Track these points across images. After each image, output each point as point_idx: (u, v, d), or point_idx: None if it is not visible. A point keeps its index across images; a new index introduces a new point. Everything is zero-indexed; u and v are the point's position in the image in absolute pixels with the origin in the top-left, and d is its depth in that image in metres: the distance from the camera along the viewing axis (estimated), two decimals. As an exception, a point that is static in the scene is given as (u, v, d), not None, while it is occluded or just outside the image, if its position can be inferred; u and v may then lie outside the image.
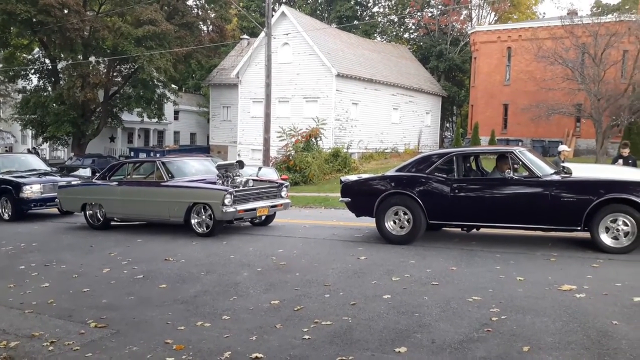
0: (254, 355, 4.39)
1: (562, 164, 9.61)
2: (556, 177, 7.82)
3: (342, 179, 9.76)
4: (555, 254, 7.47)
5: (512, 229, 8.43)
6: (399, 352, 4.33)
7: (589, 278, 6.15)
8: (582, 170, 8.28)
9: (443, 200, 8.32)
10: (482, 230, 9.16)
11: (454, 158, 8.56)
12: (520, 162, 8.09)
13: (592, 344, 4.31)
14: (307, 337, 4.74)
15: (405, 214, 8.56)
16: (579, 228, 7.54)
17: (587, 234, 7.66)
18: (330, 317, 5.23)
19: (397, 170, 9.11)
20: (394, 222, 8.70)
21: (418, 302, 5.52)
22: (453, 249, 8.13)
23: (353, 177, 9.78)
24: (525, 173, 8.05)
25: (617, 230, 7.33)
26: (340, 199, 9.60)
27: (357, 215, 9.44)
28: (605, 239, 7.39)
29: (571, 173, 7.98)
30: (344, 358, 4.26)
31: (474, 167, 9.33)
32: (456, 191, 8.24)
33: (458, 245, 8.43)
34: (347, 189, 9.40)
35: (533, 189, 7.81)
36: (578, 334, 4.51)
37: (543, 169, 8.05)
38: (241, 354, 4.46)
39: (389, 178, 8.94)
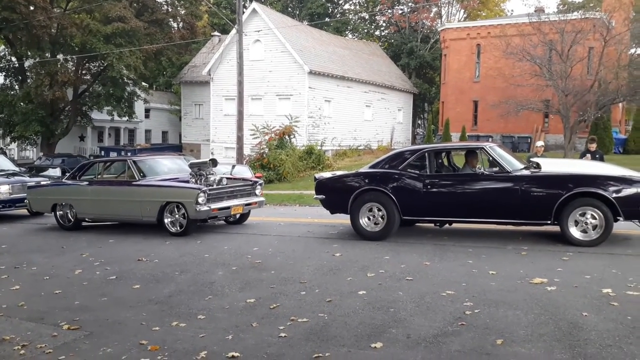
0: (230, 354, 4.38)
1: (532, 159, 9.79)
2: (526, 172, 7.96)
3: (316, 176, 9.78)
4: (526, 247, 7.62)
5: (484, 223, 8.55)
6: (375, 347, 4.37)
7: (560, 271, 6.29)
8: (551, 165, 8.42)
9: (416, 196, 8.39)
10: (454, 225, 9.28)
11: (426, 154, 8.62)
12: (491, 158, 8.19)
13: (563, 335, 4.41)
14: (283, 334, 4.75)
15: (379, 210, 8.62)
16: (549, 222, 7.69)
17: (557, 228, 7.82)
18: (306, 314, 5.24)
19: (370, 167, 9.18)
20: (368, 219, 8.75)
21: (393, 298, 5.58)
22: (426, 244, 8.22)
23: (327, 174, 9.80)
24: (496, 168, 8.14)
25: (586, 223, 7.49)
26: (315, 196, 9.62)
27: (332, 213, 9.47)
28: (575, 232, 7.56)
29: (540, 168, 8.12)
30: (320, 355, 4.28)
31: (445, 163, 9.42)
32: (428, 187, 8.32)
33: (431, 240, 8.53)
34: (322, 186, 9.41)
35: (504, 184, 7.93)
36: (549, 326, 4.61)
37: (513, 164, 8.17)
38: (217, 354, 4.44)
39: (362, 175, 8.99)
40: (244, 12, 26.00)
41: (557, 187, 7.58)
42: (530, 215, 7.83)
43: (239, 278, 6.77)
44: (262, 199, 11.27)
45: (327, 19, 47.03)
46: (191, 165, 10.77)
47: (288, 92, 30.23)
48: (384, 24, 52.33)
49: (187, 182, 10.41)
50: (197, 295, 6.17)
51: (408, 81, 42.54)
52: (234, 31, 26.42)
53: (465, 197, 8.23)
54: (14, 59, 35.06)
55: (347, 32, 50.14)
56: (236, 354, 4.38)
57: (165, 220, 10.13)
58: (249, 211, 11.17)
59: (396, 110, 38.98)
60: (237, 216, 11.08)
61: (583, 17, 25.67)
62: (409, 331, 4.66)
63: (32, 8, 30.48)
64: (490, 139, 32.39)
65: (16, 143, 40.97)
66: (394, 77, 40.14)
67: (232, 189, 10.63)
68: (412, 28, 46.61)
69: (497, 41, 29.04)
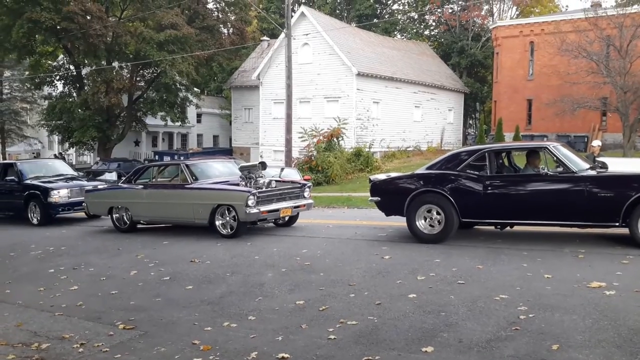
0: (280, 355, 4.41)
1: (598, 159, 9.42)
2: (592, 173, 7.63)
3: (371, 178, 9.62)
4: (583, 250, 7.35)
5: (548, 225, 8.31)
6: (426, 351, 4.30)
7: (619, 275, 6.04)
8: (618, 165, 8.07)
9: (475, 197, 8.16)
10: (509, 227, 9.04)
11: (486, 154, 8.36)
12: (555, 158, 7.92)
13: (624, 342, 4.23)
14: (332, 337, 4.74)
15: (437, 212, 8.41)
16: (617, 224, 7.34)
17: (621, 230, 7.52)
18: (356, 316, 5.22)
19: (427, 168, 8.96)
20: (425, 221, 8.56)
21: (444, 301, 5.48)
22: (479, 247, 8.05)
23: (382, 176, 9.64)
24: (560, 169, 7.85)
25: None
26: (370, 198, 9.43)
27: (387, 215, 9.30)
28: None
29: (607, 168, 7.76)
30: (369, 358, 4.25)
31: (506, 163, 9.14)
32: (489, 188, 8.07)
33: (484, 243, 8.34)
34: (377, 188, 9.24)
35: (569, 184, 7.65)
36: (609, 332, 4.43)
37: (578, 164, 7.84)
38: (267, 354, 4.48)
39: (419, 176, 8.82)
40: (292, 16, 26.22)
41: (626, 188, 7.24)
42: (597, 217, 7.51)
43: (288, 280, 6.81)
44: (310, 201, 11.30)
45: (375, 20, 46.87)
46: (241, 169, 10.90)
47: (336, 94, 30.26)
48: (434, 23, 51.72)
49: (237, 185, 10.55)
50: (247, 296, 6.24)
51: (459, 80, 41.87)
52: (282, 35, 26.68)
53: (528, 198, 7.96)
54: (72, 67, 36.51)
55: (395, 33, 49.82)
56: (286, 355, 4.40)
57: (217, 223, 10.28)
58: (298, 213, 11.22)
59: (446, 111, 38.42)
60: (286, 218, 11.14)
61: (643, 10, 24.65)
62: (460, 335, 4.57)
63: (88, 18, 31.68)
64: (545, 139, 31.50)
65: (74, 148, 42.65)
66: (444, 76, 39.58)
67: (281, 192, 10.70)
68: (462, 26, 45.88)
69: (552, 38, 28.22)
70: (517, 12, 48.31)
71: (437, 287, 6.04)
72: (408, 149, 33.08)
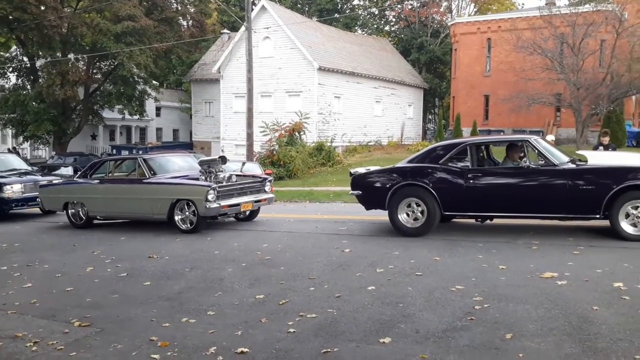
0: (239, 350, 4.39)
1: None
2: (572, 165, 7.73)
3: (352, 171, 9.53)
4: (537, 242, 7.56)
5: (529, 218, 8.38)
6: (384, 342, 4.36)
7: (570, 265, 6.24)
8: (597, 158, 8.15)
9: (458, 190, 8.18)
10: (463, 220, 9.23)
11: (468, 148, 8.39)
12: (537, 151, 7.99)
13: (574, 329, 4.38)
14: (292, 330, 4.76)
15: (418, 205, 8.40)
16: (598, 216, 7.46)
17: (572, 222, 7.76)
18: (315, 309, 5.24)
19: (408, 162, 8.95)
20: (407, 215, 8.54)
21: (402, 293, 5.56)
22: (436, 240, 8.19)
23: (362, 170, 9.54)
24: (542, 162, 7.90)
25: (638, 217, 7.27)
26: (350, 192, 9.38)
27: (367, 208, 9.27)
28: (626, 226, 7.33)
29: (587, 161, 7.90)
30: (329, 350, 4.28)
31: (485, 156, 9.16)
32: (471, 181, 8.10)
33: (441, 235, 8.50)
34: (358, 182, 9.18)
35: (551, 177, 7.73)
36: (560, 321, 4.58)
37: (559, 157, 7.91)
38: (226, 349, 4.46)
39: (401, 169, 8.79)
40: (253, 9, 26.03)
41: (607, 180, 7.36)
42: (579, 210, 7.61)
43: (249, 274, 6.79)
44: (271, 195, 11.28)
45: (336, 15, 46.97)
46: (201, 163, 10.81)
47: (298, 88, 30.25)
48: (394, 19, 52.17)
49: (197, 179, 10.46)
50: (206, 291, 6.19)
51: (418, 76, 42.37)
52: (243, 28, 26.48)
53: (510, 191, 7.99)
54: (25, 59, 35.41)
55: (356, 28, 50.06)
56: (245, 350, 4.39)
57: (176, 218, 10.17)
58: (259, 208, 11.20)
59: (406, 106, 38.85)
60: (247, 213, 11.11)
61: (595, 9, 25.44)
62: (417, 326, 4.65)
63: (42, 8, 30.79)
64: (501, 134, 32.22)
65: (29, 142, 41.42)
66: (404, 72, 39.99)
67: (241, 186, 10.66)
68: (422, 23, 46.45)
69: (508, 35, 28.86)
70: (475, 9, 49.20)
71: (395, 279, 6.12)
72: (369, 144, 33.34)
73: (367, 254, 7.43)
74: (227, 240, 9.26)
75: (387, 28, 53.10)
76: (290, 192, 17.52)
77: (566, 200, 7.60)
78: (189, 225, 10.06)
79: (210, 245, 8.86)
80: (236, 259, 7.65)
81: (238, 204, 10.25)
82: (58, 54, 33.38)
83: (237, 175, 11.06)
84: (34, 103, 33.78)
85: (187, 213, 10.06)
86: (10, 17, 30.93)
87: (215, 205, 9.68)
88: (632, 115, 32.27)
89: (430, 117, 50.89)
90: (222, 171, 10.67)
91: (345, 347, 4.34)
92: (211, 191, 9.65)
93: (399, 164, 9.14)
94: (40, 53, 33.94)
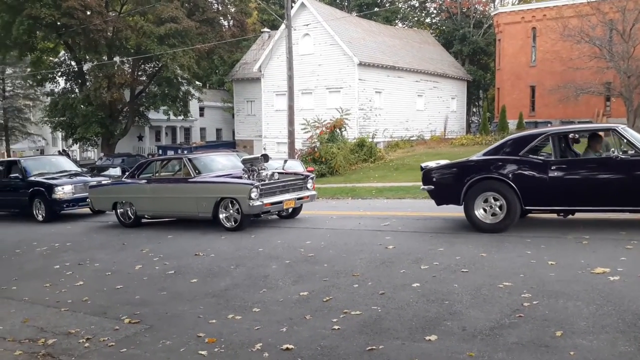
0: (284, 346, 4.42)
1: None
2: None
3: (422, 165, 9.20)
4: (587, 236, 7.33)
5: (617, 212, 7.93)
6: (430, 340, 4.31)
7: (623, 260, 6.02)
8: None
9: (540, 184, 7.73)
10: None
11: (550, 138, 7.94)
12: (625, 140, 7.54)
13: (628, 327, 4.22)
14: (336, 327, 4.75)
15: (497, 200, 7.97)
16: None
17: (624, 215, 7.48)
18: (360, 307, 5.23)
19: (484, 154, 8.50)
20: (484, 210, 8.12)
21: (448, 290, 5.49)
22: (482, 235, 8.02)
23: (432, 164, 9.20)
24: (632, 152, 7.46)
25: None
26: (422, 187, 9.03)
27: (439, 204, 8.89)
28: None
29: None
30: (374, 347, 4.26)
31: (566, 147, 8.58)
32: (555, 173, 7.66)
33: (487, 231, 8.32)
34: (430, 176, 8.79)
35: None
36: (612, 318, 4.43)
37: None
38: (272, 345, 4.49)
39: (477, 162, 8.38)
40: (292, 7, 26.11)
41: None
42: None
43: (292, 271, 6.83)
44: (314, 192, 11.31)
45: (376, 9, 46.65)
46: (244, 162, 10.92)
47: (338, 84, 30.21)
48: (435, 11, 51.50)
49: (240, 177, 10.57)
50: (252, 288, 6.25)
51: (461, 68, 41.70)
52: (283, 26, 26.60)
53: (598, 183, 7.53)
54: (73, 63, 36.54)
55: (397, 21, 49.62)
56: (290, 346, 4.42)
57: (220, 216, 10.30)
58: (301, 205, 11.23)
59: (449, 99, 38.30)
60: (290, 210, 11.16)
61: (646, -7, 24.45)
62: (464, 324, 4.58)
63: (88, 13, 31.69)
64: (549, 125, 31.39)
65: (78, 144, 42.74)
66: (447, 64, 39.42)
67: (284, 184, 10.72)
68: (464, 14, 45.67)
69: (554, 23, 28.09)
70: (519, -2, 48.00)
71: (440, 275, 6.04)
72: (411, 139, 33.03)
73: (411, 251, 7.36)
74: (270, 237, 9.33)
75: (428, 20, 52.46)
76: (332, 189, 17.53)
77: None
78: (233, 223, 10.18)
79: (254, 242, 8.95)
80: (280, 256, 7.70)
81: (281, 202, 10.31)
82: (104, 57, 34.30)
83: (279, 173, 11.13)
84: (82, 106, 34.81)
85: (231, 211, 10.18)
86: (59, 23, 31.97)
87: (258, 203, 9.76)
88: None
89: (474, 110, 50.04)
90: (264, 169, 10.76)
91: (391, 344, 4.31)
92: (254, 189, 9.74)
93: (475, 157, 8.70)
94: (87, 57, 34.94)
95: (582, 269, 5.80)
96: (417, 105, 34.91)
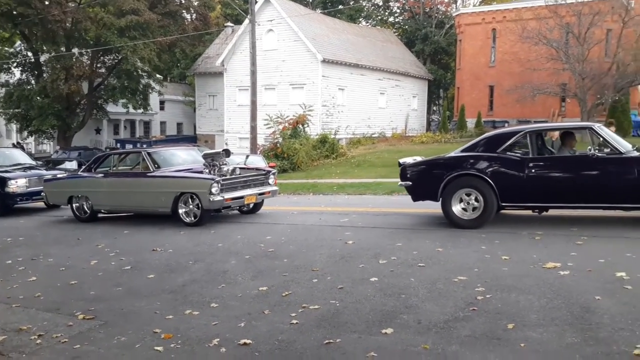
0: (242, 341, 4.41)
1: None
2: (638, 154, 7.55)
3: (400, 161, 9.15)
4: (540, 232, 7.54)
5: (592, 208, 8.05)
6: (386, 333, 4.37)
7: (573, 255, 6.22)
8: None
9: (518, 180, 7.86)
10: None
11: (528, 135, 8.09)
12: (601, 138, 7.71)
13: (576, 319, 4.37)
14: (295, 321, 4.77)
15: (473, 196, 8.06)
16: None
17: (569, 212, 7.72)
18: (318, 301, 5.26)
19: (462, 151, 8.59)
20: (461, 207, 8.21)
21: (405, 284, 5.57)
22: (439, 231, 8.18)
23: (409, 160, 9.19)
24: (607, 150, 7.65)
25: None
26: (400, 182, 9.05)
27: (416, 200, 8.91)
28: None
29: None
30: (331, 341, 4.29)
31: (541, 145, 8.78)
32: (533, 170, 7.79)
33: (444, 226, 8.48)
34: (408, 172, 8.81)
35: (618, 166, 7.50)
36: (562, 310, 4.57)
37: (624, 145, 7.72)
38: (229, 340, 4.48)
39: (455, 159, 8.47)
40: (256, 2, 25.96)
41: None
42: None
43: (252, 267, 6.81)
44: (275, 188, 11.29)
45: (340, 7, 46.77)
46: (205, 156, 10.82)
47: (301, 81, 30.18)
48: (398, 10, 51.90)
49: (201, 172, 10.48)
50: (210, 284, 6.21)
51: (423, 67, 42.19)
52: (246, 21, 26.39)
53: (575, 181, 7.69)
54: (29, 54, 35.42)
55: (360, 20, 49.84)
56: (248, 341, 4.41)
57: (180, 211, 10.19)
58: (263, 200, 11.20)
59: (411, 97, 38.72)
60: (251, 206, 11.12)
61: (601, -2, 25.24)
62: (420, 317, 4.66)
63: (47, 3, 30.82)
64: (506, 124, 32.11)
65: (33, 137, 41.50)
66: (409, 63, 39.83)
67: (245, 179, 10.67)
68: (426, 14, 46.20)
69: (513, 25, 28.72)
70: (480, 0, 48.86)
71: (398, 270, 6.13)
72: (373, 136, 33.27)
73: (370, 246, 7.43)
74: (230, 233, 9.29)
75: (391, 19, 52.85)
76: (293, 185, 17.53)
77: (633, 189, 7.32)
78: (193, 218, 10.09)
79: (213, 238, 8.88)
80: (239, 252, 7.67)
81: (242, 197, 10.27)
82: (62, 48, 33.37)
83: (240, 168, 11.08)
84: (38, 98, 33.83)
85: (191, 206, 10.08)
86: (14, 12, 30.91)
87: (219, 198, 9.70)
88: (637, 104, 32.07)
89: (434, 108, 50.70)
90: (226, 164, 10.68)
91: (348, 338, 4.35)
92: (215, 184, 9.67)
93: (452, 153, 8.79)
94: (45, 48, 33.91)
95: (534, 264, 5.97)
96: (379, 103, 35.18)
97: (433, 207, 8.95)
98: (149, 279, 6.66)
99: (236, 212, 11.38)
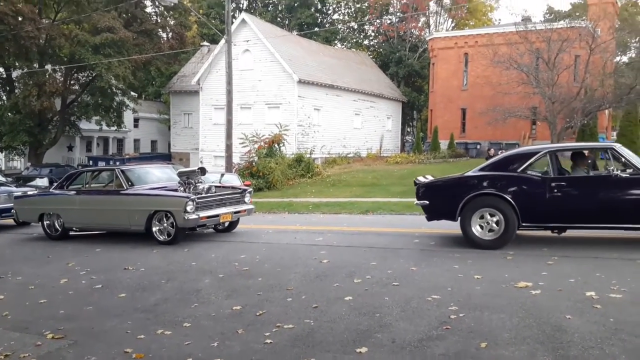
0: (215, 361, 4.37)
1: None
2: None
3: (416, 180, 9.01)
4: (512, 252, 7.65)
5: (613, 229, 7.99)
6: (360, 352, 4.37)
7: (544, 275, 6.32)
8: None
9: (540, 200, 7.75)
10: (441, 230, 9.26)
11: (549, 155, 7.98)
12: (623, 159, 7.73)
13: (547, 338, 4.43)
14: (269, 341, 4.74)
15: (493, 216, 7.92)
16: None
17: (543, 233, 7.84)
18: (292, 320, 5.24)
19: (480, 170, 8.50)
20: (481, 226, 8.06)
21: (379, 303, 5.59)
22: (413, 250, 8.24)
23: (423, 179, 9.03)
24: (630, 170, 7.61)
25: None
26: (416, 202, 8.84)
27: (431, 219, 8.74)
28: None
29: None
30: (305, 360, 4.28)
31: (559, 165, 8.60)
32: (555, 191, 7.70)
33: (418, 245, 8.56)
34: (425, 191, 8.65)
35: None
36: (533, 329, 4.63)
37: None
38: (202, 360, 4.43)
39: (474, 178, 8.34)
40: (233, 23, 26.07)
41: None
42: None
43: (226, 285, 6.76)
44: (251, 206, 11.25)
45: (316, 29, 47.29)
46: (180, 174, 10.74)
47: (277, 101, 30.29)
48: (373, 34, 52.67)
49: (176, 190, 10.40)
50: (183, 303, 6.14)
51: (397, 90, 42.75)
52: (223, 41, 26.44)
53: (598, 201, 7.58)
54: (1, 69, 34.90)
55: (336, 42, 50.39)
56: (221, 361, 4.37)
57: (154, 229, 10.08)
58: (238, 219, 11.15)
59: (385, 118, 39.14)
60: (226, 224, 11.06)
61: (569, 26, 26.07)
62: (394, 336, 4.67)
63: (20, 19, 30.42)
64: (478, 146, 32.64)
65: (3, 153, 40.72)
66: (383, 85, 40.33)
67: (220, 197, 10.62)
68: (400, 37, 46.96)
69: (485, 50, 29.33)
70: (453, 25, 49.93)
71: (372, 289, 6.15)
72: (348, 155, 33.47)
73: (345, 265, 7.44)
74: (204, 251, 9.21)
75: (366, 42, 53.58)
76: (269, 203, 17.49)
77: None
78: (167, 236, 9.98)
79: (187, 256, 8.80)
80: (213, 270, 7.61)
81: (217, 215, 10.21)
82: (35, 65, 32.97)
83: (216, 187, 11.03)
84: (9, 114, 33.30)
85: (165, 224, 9.98)
86: (-14, 28, 30.52)
87: (194, 216, 9.62)
88: (605, 128, 32.98)
89: (408, 129, 51.29)
90: (201, 182, 10.62)
91: (322, 357, 4.34)
92: (190, 202, 9.60)
93: (471, 172, 8.67)
94: (17, 64, 33.50)
95: (506, 283, 6.04)
96: (355, 123, 35.47)
97: (408, 227, 9.02)
98: (121, 298, 6.56)
99: (211, 230, 11.30)
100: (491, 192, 7.97)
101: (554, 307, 5.17)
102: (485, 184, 8.12)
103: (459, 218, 8.14)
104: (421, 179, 9.13)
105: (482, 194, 8.03)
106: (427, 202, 8.59)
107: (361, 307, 5.51)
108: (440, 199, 8.53)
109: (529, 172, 8.06)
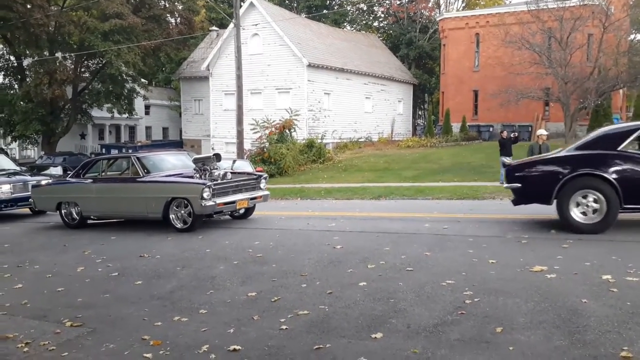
0: (231, 348, 4.41)
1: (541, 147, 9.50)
2: None
3: (505, 162, 8.66)
4: (527, 236, 7.62)
5: None
6: (375, 337, 4.39)
7: (560, 258, 6.30)
8: None
9: None
10: (454, 214, 9.23)
11: None
12: None
13: (563, 322, 4.42)
14: (284, 327, 4.78)
15: (592, 198, 7.46)
16: None
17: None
18: (307, 306, 5.26)
19: (577, 149, 7.96)
20: (581, 211, 7.59)
21: (393, 288, 5.60)
22: (426, 235, 8.23)
23: (511, 160, 8.54)
24: None
25: None
26: (506, 185, 8.44)
27: (524, 203, 8.28)
28: None
29: None
30: (321, 346, 4.31)
31: None
32: None
33: (431, 230, 8.54)
34: (516, 173, 8.22)
35: None
36: (549, 314, 4.62)
37: None
38: (219, 347, 4.47)
39: (570, 158, 7.83)
40: (241, 6, 25.96)
41: None
42: None
43: (240, 272, 6.80)
44: (267, 192, 11.26)
45: (325, 11, 46.89)
46: (195, 161, 10.75)
47: (287, 85, 30.19)
48: (383, 15, 52.15)
49: (192, 177, 10.41)
50: (198, 290, 6.19)
51: (408, 72, 42.42)
52: (231, 25, 26.36)
53: None
54: (12, 58, 35.11)
55: (345, 24, 50.03)
56: (237, 347, 4.41)
57: (171, 216, 10.09)
58: (254, 205, 11.14)
59: (396, 102, 38.90)
60: (242, 211, 11.06)
61: (582, 3, 25.57)
62: (409, 321, 4.69)
63: (29, 6, 30.49)
64: (491, 129, 32.40)
65: (17, 142, 41.09)
66: (394, 68, 40.02)
67: (236, 184, 10.61)
68: (410, 18, 46.47)
69: (496, 30, 28.96)
70: (463, 4, 49.31)
71: (386, 274, 6.16)
72: (360, 140, 33.36)
73: (358, 250, 7.46)
74: (218, 238, 9.26)
75: (375, 24, 53.09)
76: (281, 190, 17.53)
77: None
78: (184, 224, 10.00)
79: (201, 243, 8.85)
80: (228, 257, 7.66)
81: (234, 202, 10.21)
82: (45, 52, 33.11)
83: (232, 173, 11.02)
84: (21, 102, 33.51)
85: (182, 211, 9.99)
86: (-4, 16, 30.66)
87: (210, 203, 9.64)
88: (619, 108, 32.54)
89: (420, 112, 51.01)
90: (216, 169, 10.63)
91: (337, 343, 4.37)
92: (207, 189, 9.61)
93: (565, 152, 8.20)
94: (27, 52, 33.63)
95: (521, 268, 6.03)
96: (365, 107, 35.30)
97: (421, 211, 8.99)
98: (137, 285, 6.62)
99: (226, 217, 11.34)
100: (591, 173, 7.46)
101: (569, 291, 5.15)
102: (584, 163, 7.60)
103: (555, 201, 7.73)
104: (509, 160, 8.62)
105: (581, 175, 7.54)
106: (519, 185, 8.16)
107: (375, 292, 5.52)
108: (535, 182, 8.08)
109: (630, 149, 7.55)
